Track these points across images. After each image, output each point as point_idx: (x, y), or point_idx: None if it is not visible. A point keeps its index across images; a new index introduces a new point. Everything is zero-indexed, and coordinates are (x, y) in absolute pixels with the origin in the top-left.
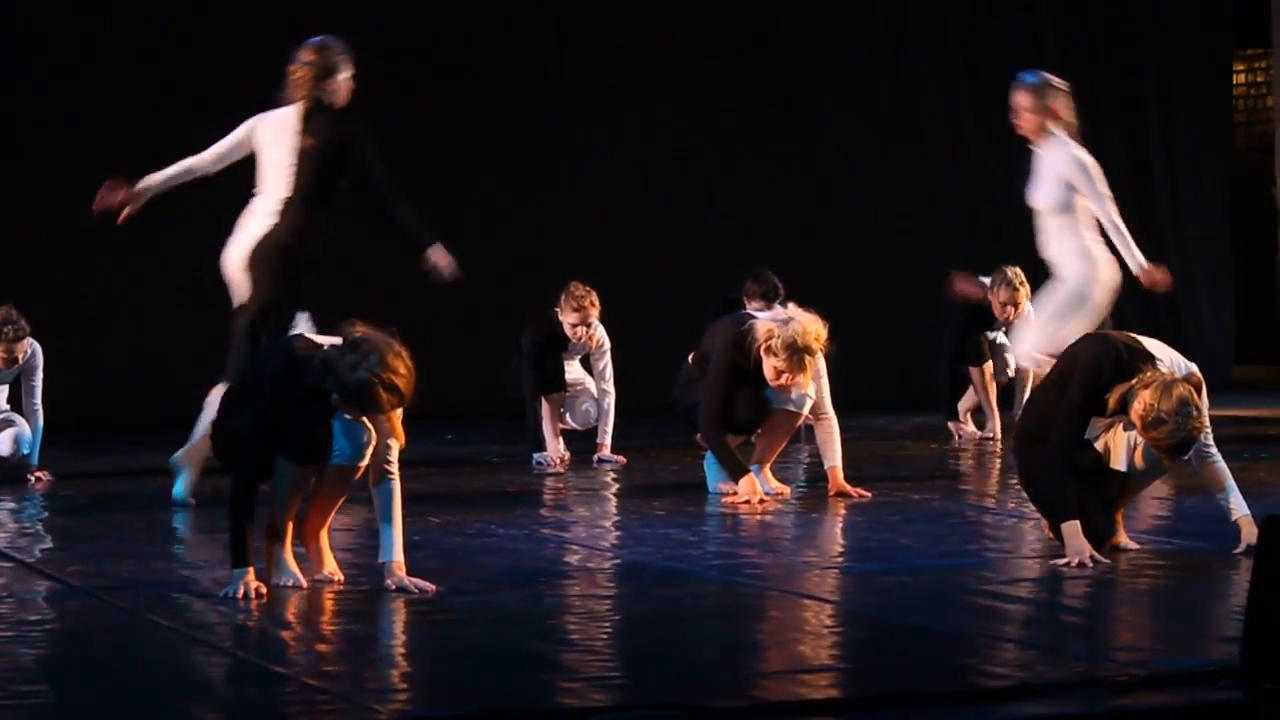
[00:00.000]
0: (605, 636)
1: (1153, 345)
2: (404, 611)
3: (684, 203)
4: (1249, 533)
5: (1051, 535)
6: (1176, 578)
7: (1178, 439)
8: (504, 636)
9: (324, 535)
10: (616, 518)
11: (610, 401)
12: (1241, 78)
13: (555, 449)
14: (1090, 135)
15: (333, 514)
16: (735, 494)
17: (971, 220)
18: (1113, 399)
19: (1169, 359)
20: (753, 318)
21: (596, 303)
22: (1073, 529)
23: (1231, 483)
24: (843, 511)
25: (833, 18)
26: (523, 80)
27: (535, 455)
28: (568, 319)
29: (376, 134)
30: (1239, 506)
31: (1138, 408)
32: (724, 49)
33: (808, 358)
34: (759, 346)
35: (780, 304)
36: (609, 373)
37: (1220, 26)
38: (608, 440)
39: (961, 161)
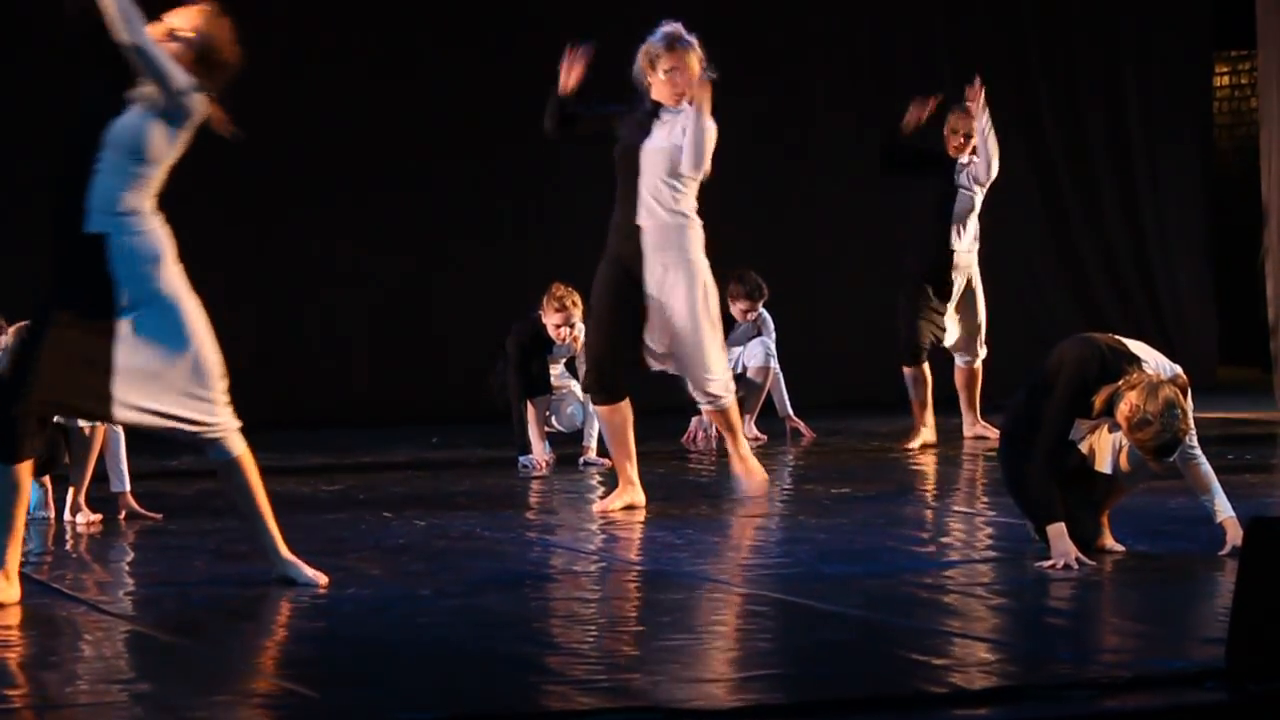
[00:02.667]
0: (590, 639)
1: (1137, 347)
2: (389, 614)
3: None
4: (1234, 534)
5: (1037, 537)
6: (1162, 579)
7: (1163, 441)
8: (488, 639)
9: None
10: (601, 521)
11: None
12: (1225, 80)
13: (540, 452)
14: (1071, 136)
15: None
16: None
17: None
18: (1099, 401)
19: (1154, 361)
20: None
21: (579, 303)
22: (1058, 531)
23: (1216, 484)
24: (827, 515)
25: (822, 19)
26: (508, 85)
27: (520, 458)
28: (550, 320)
29: (368, 136)
30: (1224, 508)
31: (1123, 409)
32: (710, 49)
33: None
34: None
35: (764, 305)
36: None
37: (1199, 29)
38: (593, 443)
39: (942, 163)
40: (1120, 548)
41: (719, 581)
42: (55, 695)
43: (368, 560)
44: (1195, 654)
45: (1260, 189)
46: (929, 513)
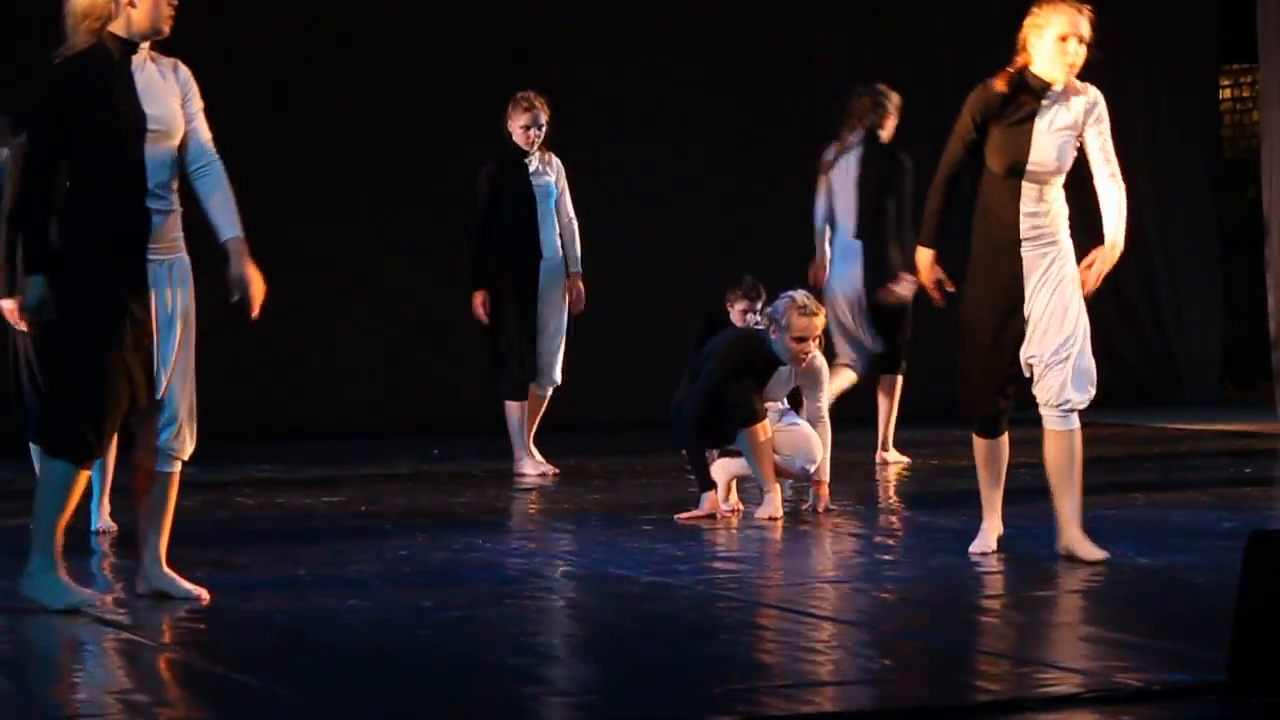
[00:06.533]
0: (590, 651)
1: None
2: (389, 625)
3: (677, 220)
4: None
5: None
6: (1163, 592)
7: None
8: (489, 651)
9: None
10: (602, 533)
11: (574, 229)
12: (1227, 93)
13: (536, 464)
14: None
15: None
16: (694, 513)
17: (961, 227)
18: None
19: None
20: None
21: (545, 107)
22: (924, 257)
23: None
24: (830, 527)
25: (825, 22)
26: (513, 85)
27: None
28: (518, 123)
29: (375, 145)
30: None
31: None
32: (712, 51)
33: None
34: (769, 328)
35: (763, 307)
36: (567, 199)
37: (1205, 42)
38: (577, 265)
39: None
40: (1103, 554)
41: (720, 594)
42: (55, 708)
43: (369, 571)
44: (1197, 667)
45: (1261, 202)
46: (930, 524)
